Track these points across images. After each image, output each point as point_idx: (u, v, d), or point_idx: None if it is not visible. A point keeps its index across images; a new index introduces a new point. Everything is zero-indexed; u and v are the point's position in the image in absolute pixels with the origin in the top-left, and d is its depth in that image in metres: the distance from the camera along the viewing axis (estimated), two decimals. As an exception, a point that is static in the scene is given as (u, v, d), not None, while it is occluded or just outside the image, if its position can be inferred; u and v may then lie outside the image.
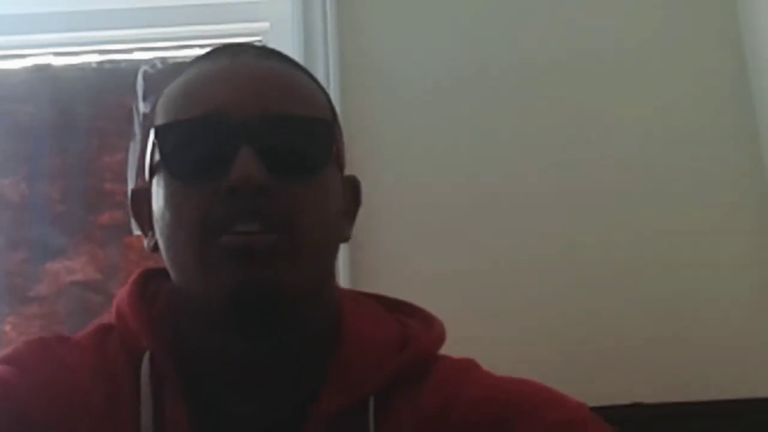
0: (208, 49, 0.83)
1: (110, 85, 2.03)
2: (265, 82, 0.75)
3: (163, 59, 1.99)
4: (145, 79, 1.87)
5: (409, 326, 0.84)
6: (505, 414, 0.79)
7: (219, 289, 0.71)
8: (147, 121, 0.83)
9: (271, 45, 1.94)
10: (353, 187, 0.86)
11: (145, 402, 0.75)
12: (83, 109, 2.03)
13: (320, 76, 1.84)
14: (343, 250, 1.74)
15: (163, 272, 0.81)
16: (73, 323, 1.93)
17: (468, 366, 0.84)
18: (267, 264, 0.70)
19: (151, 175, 0.77)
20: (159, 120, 0.78)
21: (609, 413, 1.59)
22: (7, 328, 1.92)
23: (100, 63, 2.04)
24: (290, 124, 0.74)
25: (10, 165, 2.01)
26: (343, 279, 1.74)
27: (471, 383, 0.81)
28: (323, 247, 0.77)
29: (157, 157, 0.76)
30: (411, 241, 1.79)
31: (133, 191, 0.82)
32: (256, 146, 0.71)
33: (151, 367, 0.76)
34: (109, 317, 0.83)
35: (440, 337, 0.84)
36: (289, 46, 1.90)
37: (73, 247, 1.97)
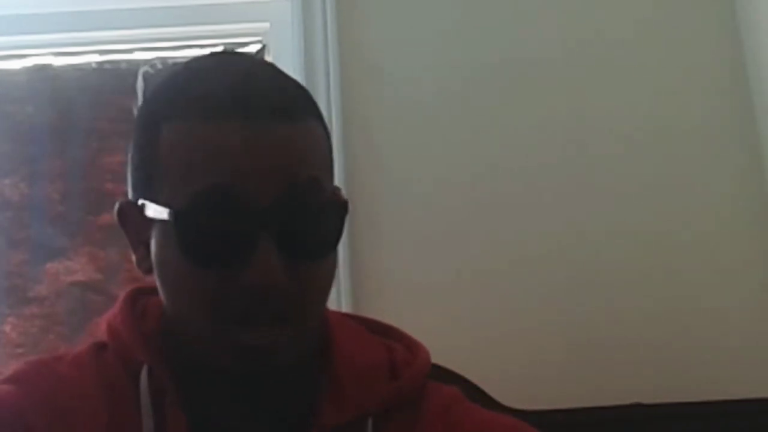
0: (208, 59, 0.78)
1: (110, 85, 2.03)
2: (283, 159, 0.71)
3: (163, 59, 1.99)
4: (145, 79, 1.86)
5: (395, 350, 0.85)
6: None
7: (220, 360, 0.73)
8: (139, 133, 0.79)
9: (271, 45, 1.94)
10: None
11: (145, 414, 0.76)
12: (83, 110, 2.03)
13: (320, 77, 1.84)
14: (342, 252, 1.75)
15: (149, 290, 0.82)
16: (73, 323, 1.93)
17: (455, 399, 0.85)
18: (272, 354, 0.72)
19: (152, 220, 0.74)
20: (164, 185, 0.74)
21: (609, 413, 1.60)
22: (7, 328, 1.91)
23: (100, 63, 2.04)
24: (309, 210, 0.72)
25: (10, 165, 2.01)
26: (344, 282, 1.74)
27: (462, 424, 0.82)
28: (323, 313, 0.79)
29: (170, 228, 0.72)
30: (411, 243, 1.79)
31: (120, 207, 0.80)
32: (276, 235, 0.70)
33: (150, 380, 0.77)
34: (101, 337, 0.83)
35: (427, 365, 0.85)
36: (289, 47, 1.90)
37: (73, 247, 1.96)
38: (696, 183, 1.83)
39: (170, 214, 0.72)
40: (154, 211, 0.74)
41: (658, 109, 1.86)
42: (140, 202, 0.76)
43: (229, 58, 0.83)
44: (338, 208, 0.75)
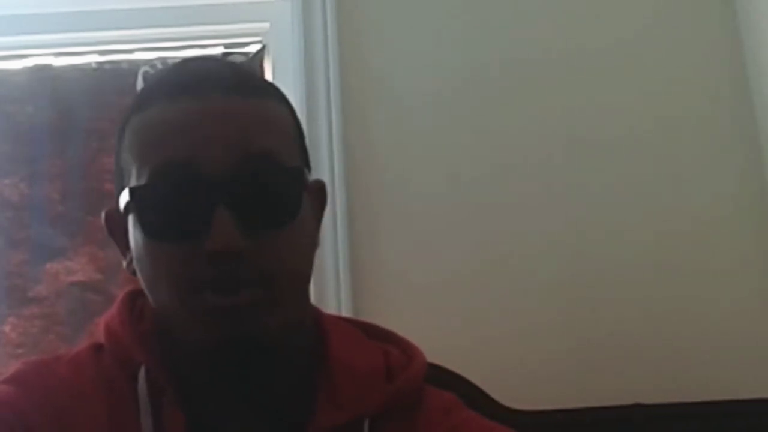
0: (178, 59, 0.79)
1: (110, 85, 2.02)
2: (236, 130, 0.73)
3: (163, 59, 1.99)
4: (145, 79, 1.86)
5: (391, 354, 0.85)
6: None
7: (203, 341, 0.73)
8: (120, 138, 0.81)
9: (271, 45, 1.94)
10: (319, 191, 0.84)
11: (144, 413, 0.77)
12: (83, 110, 2.03)
13: (320, 77, 1.84)
14: (342, 251, 1.75)
15: None
16: (73, 323, 1.93)
17: (454, 404, 0.86)
18: (249, 317, 0.72)
19: (126, 212, 0.76)
20: (131, 173, 0.75)
21: (609, 413, 1.60)
22: (7, 328, 1.91)
23: (100, 63, 2.04)
24: (264, 177, 0.74)
25: (10, 165, 2.01)
26: (344, 282, 1.74)
27: (462, 429, 0.82)
28: (301, 286, 0.78)
29: (131, 207, 0.75)
30: (410, 243, 1.79)
31: (107, 213, 0.81)
32: (232, 205, 0.71)
33: (148, 381, 0.78)
34: (98, 338, 0.84)
35: (423, 368, 0.85)
36: (289, 47, 1.90)
37: (73, 247, 1.96)
38: (696, 183, 1.83)
39: (129, 193, 0.74)
40: (123, 200, 0.76)
41: (658, 109, 1.86)
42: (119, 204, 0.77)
43: (195, 58, 0.84)
44: (295, 180, 0.76)
